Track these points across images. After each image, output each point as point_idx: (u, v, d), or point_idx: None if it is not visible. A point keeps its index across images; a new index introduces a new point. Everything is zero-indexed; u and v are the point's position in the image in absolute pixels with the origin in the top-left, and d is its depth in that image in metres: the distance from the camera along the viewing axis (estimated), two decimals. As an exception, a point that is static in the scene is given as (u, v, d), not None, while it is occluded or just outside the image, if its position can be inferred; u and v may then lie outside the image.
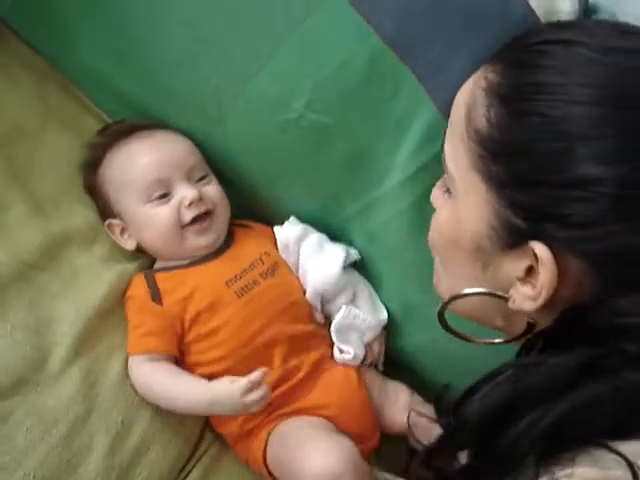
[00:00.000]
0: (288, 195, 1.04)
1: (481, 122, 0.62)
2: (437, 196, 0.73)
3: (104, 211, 1.01)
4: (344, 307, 1.02)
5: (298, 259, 1.04)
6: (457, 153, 0.65)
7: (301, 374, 0.97)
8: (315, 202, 1.03)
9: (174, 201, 0.96)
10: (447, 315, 0.72)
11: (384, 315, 1.05)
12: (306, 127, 0.93)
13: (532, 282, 0.60)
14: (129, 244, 1.01)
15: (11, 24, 1.05)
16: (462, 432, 0.62)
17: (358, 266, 1.06)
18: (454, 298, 0.69)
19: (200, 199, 0.96)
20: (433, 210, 0.93)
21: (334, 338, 1.02)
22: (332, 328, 1.02)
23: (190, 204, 0.95)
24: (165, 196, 0.96)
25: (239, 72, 0.92)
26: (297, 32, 0.88)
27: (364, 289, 1.05)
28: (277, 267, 1.01)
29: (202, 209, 0.97)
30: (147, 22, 0.94)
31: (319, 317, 1.04)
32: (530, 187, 0.58)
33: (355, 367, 1.02)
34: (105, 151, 1.01)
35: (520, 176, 0.59)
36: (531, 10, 0.83)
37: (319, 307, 1.03)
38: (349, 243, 1.05)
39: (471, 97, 0.65)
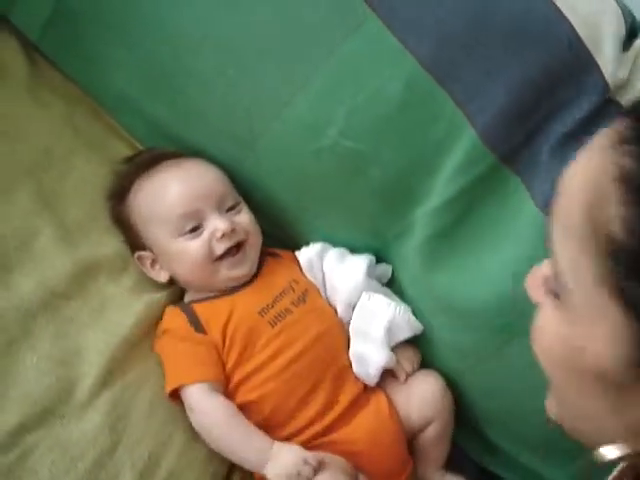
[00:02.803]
0: (321, 222, 1.02)
1: (614, 226, 0.44)
2: (537, 291, 0.56)
3: (133, 243, 0.99)
4: (363, 294, 0.98)
5: (324, 276, 1.02)
6: (578, 262, 0.48)
7: (337, 410, 0.94)
8: (350, 229, 1.01)
9: (206, 234, 0.94)
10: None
11: (417, 323, 1.00)
12: (341, 154, 0.91)
13: None
14: (162, 276, 0.98)
15: (43, 50, 1.05)
16: None
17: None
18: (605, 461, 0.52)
19: (232, 230, 0.94)
20: (462, 236, 0.92)
21: (352, 339, 0.97)
22: (351, 325, 0.98)
23: (222, 236, 0.93)
24: (196, 229, 0.94)
25: (273, 97, 0.91)
26: (333, 57, 0.87)
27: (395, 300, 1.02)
28: (307, 294, 0.99)
29: (234, 241, 0.95)
30: (179, 47, 0.93)
31: None
32: None
33: (384, 395, 0.99)
34: (132, 182, 0.99)
35: None
36: (576, 35, 0.81)
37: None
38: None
39: (595, 190, 0.46)
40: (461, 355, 1.00)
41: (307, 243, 1.04)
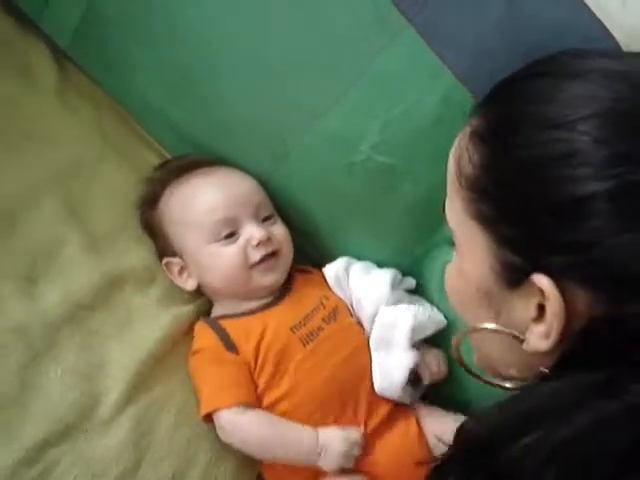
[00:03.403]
0: (351, 238, 1.00)
1: (468, 167, 0.62)
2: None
3: (162, 249, 0.97)
4: (381, 308, 0.95)
5: (351, 291, 0.99)
6: (453, 205, 0.65)
7: (367, 429, 0.91)
8: (380, 245, 0.99)
9: (241, 241, 0.93)
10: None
11: (440, 317, 0.97)
12: (373, 169, 0.89)
13: (544, 320, 0.57)
14: (189, 284, 0.97)
15: (71, 56, 1.04)
16: (460, 448, 0.61)
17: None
18: (466, 333, 0.68)
19: (268, 239, 0.93)
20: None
21: (373, 354, 0.94)
22: (371, 339, 0.95)
23: (258, 244, 0.92)
24: (232, 235, 0.93)
25: (307, 110, 0.89)
26: (368, 70, 0.84)
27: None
28: (338, 311, 0.97)
29: (269, 249, 0.93)
30: (209, 58, 0.92)
31: None
32: (519, 219, 0.57)
33: (415, 419, 0.95)
34: (164, 187, 0.98)
35: (507, 210, 0.58)
36: (620, 49, 0.78)
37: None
38: (420, 283, 1.01)
39: (458, 147, 0.65)
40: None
41: (334, 259, 1.01)
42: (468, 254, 0.64)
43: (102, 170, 1.01)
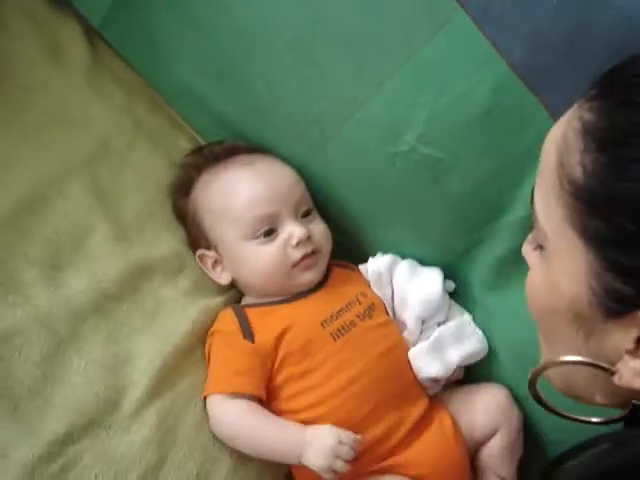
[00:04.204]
0: (389, 233, 0.97)
1: (576, 170, 0.52)
2: (528, 252, 0.63)
3: (195, 239, 0.94)
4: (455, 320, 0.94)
5: (392, 290, 0.96)
6: (549, 206, 0.56)
7: (402, 431, 0.88)
8: (419, 241, 0.96)
9: (280, 239, 0.89)
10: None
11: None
12: (417, 161, 0.85)
13: None
14: (223, 278, 0.93)
15: (105, 36, 1.01)
16: None
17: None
18: (549, 366, 0.61)
19: (308, 238, 0.90)
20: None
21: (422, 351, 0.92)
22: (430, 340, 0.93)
23: (298, 243, 0.89)
24: (271, 232, 0.89)
25: (348, 96, 0.86)
26: (415, 56, 0.81)
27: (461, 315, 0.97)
28: (374, 308, 0.93)
29: (309, 249, 0.90)
30: (250, 41, 0.88)
31: None
32: (638, 249, 0.50)
33: (447, 411, 0.93)
34: (200, 173, 0.94)
35: (625, 235, 0.50)
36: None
37: (419, 334, 0.95)
38: (459, 280, 0.97)
39: (563, 141, 0.55)
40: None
41: (371, 254, 0.98)
42: (563, 267, 0.56)
43: (132, 156, 0.98)
